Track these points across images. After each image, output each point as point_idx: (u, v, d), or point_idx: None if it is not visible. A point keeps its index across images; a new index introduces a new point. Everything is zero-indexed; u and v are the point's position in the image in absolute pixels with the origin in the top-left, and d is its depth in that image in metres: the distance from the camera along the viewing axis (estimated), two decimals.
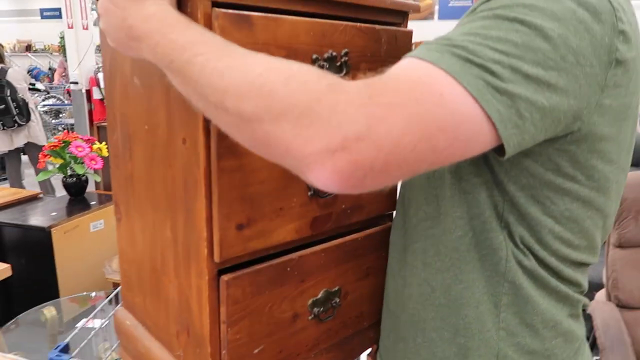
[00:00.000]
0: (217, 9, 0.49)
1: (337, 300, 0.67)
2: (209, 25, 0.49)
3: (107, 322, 0.94)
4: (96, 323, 0.94)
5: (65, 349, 0.85)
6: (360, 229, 0.69)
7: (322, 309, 0.65)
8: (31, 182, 4.28)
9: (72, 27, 3.71)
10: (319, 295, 0.65)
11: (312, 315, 0.64)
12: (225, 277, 0.55)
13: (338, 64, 0.58)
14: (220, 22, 0.49)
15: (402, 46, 0.64)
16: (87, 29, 3.68)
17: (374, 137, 0.38)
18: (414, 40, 0.66)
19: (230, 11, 0.49)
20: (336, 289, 0.67)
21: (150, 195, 0.64)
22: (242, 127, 0.43)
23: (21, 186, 4.00)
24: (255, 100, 0.40)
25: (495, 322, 0.56)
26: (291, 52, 0.54)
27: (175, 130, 0.57)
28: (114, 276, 1.95)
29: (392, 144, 0.39)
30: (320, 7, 0.57)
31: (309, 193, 0.61)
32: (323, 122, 0.39)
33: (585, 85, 0.45)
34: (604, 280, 1.73)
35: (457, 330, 0.57)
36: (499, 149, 0.45)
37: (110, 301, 0.99)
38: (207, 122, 0.51)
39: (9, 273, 1.82)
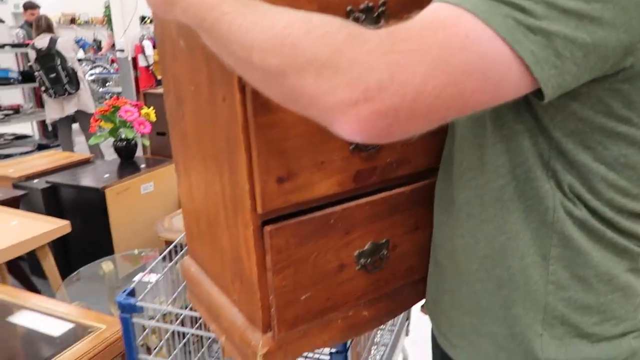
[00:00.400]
0: None
1: (385, 252, 0.68)
2: None
3: (162, 277, 1.00)
4: (152, 278, 1.00)
5: (132, 293, 0.92)
6: (407, 183, 0.69)
7: (369, 260, 0.66)
8: (82, 149, 4.49)
9: None
10: (366, 247, 0.66)
11: (359, 266, 0.66)
12: (268, 228, 0.58)
13: (375, 14, 0.58)
14: None
15: None
16: None
17: (396, 85, 0.38)
18: None
19: None
20: (383, 241, 0.68)
21: (200, 152, 0.67)
22: (270, 82, 0.44)
23: (72, 152, 4.20)
24: (279, 55, 0.41)
25: (544, 275, 0.54)
26: (323, 5, 0.54)
27: (215, 89, 0.59)
28: (166, 234, 2.05)
29: (415, 91, 0.39)
30: None
31: (351, 147, 0.61)
32: (344, 72, 0.39)
33: (637, 17, 0.41)
34: None
35: (501, 282, 0.57)
36: (539, 93, 0.43)
37: (164, 258, 1.05)
38: (241, 80, 0.53)
39: (68, 229, 1.95)
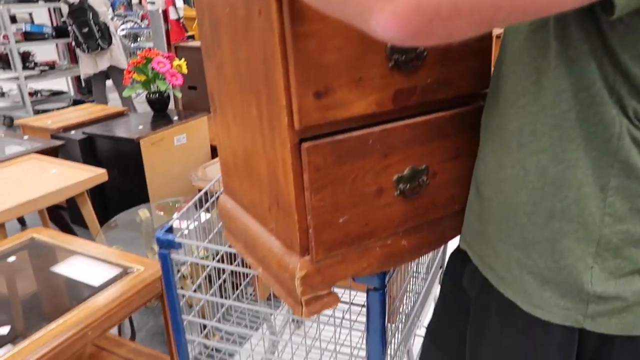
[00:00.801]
0: None
1: (425, 178, 0.66)
2: None
3: (195, 223, 1.01)
4: (183, 225, 1.01)
5: (170, 230, 0.93)
6: (449, 107, 0.66)
7: (408, 185, 0.65)
8: (116, 105, 4.55)
9: None
10: (405, 172, 0.64)
11: (398, 192, 0.64)
12: (305, 145, 0.56)
13: None
14: None
15: None
16: None
17: None
18: None
19: None
20: (423, 167, 0.65)
21: (237, 78, 0.66)
22: None
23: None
24: None
25: (600, 207, 0.51)
26: None
27: (251, 5, 0.57)
28: (200, 183, 2.08)
29: None
30: None
31: (390, 64, 0.59)
32: None
33: None
34: None
35: (552, 214, 0.54)
36: (609, 7, 0.39)
37: (195, 206, 1.06)
38: None
39: (105, 178, 2.00)
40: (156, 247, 0.97)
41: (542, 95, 0.52)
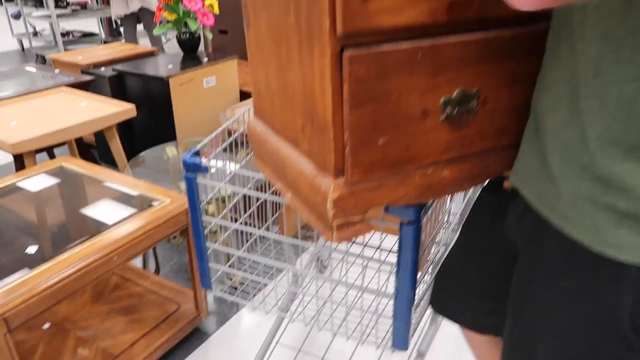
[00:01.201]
0: None
1: (475, 104, 0.61)
2: None
3: (224, 162, 0.98)
4: (211, 162, 0.98)
5: (198, 153, 0.91)
6: (509, 26, 0.60)
7: (455, 110, 0.59)
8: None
9: None
10: (453, 95, 0.59)
11: (444, 116, 0.59)
12: (348, 53, 0.52)
13: None
14: None
15: None
16: None
17: None
18: None
19: None
20: (474, 91, 0.60)
21: None
22: None
23: None
24: None
25: None
26: None
27: None
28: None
29: None
30: None
31: None
32: None
33: None
34: None
35: (635, 148, 0.49)
36: None
37: (224, 149, 1.03)
38: None
39: (134, 113, 1.99)
40: (182, 185, 0.96)
41: (634, 13, 0.46)
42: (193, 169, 0.92)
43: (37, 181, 1.60)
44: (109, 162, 2.25)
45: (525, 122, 0.63)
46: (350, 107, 0.53)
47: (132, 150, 2.33)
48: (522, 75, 0.62)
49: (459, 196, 1.09)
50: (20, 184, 1.58)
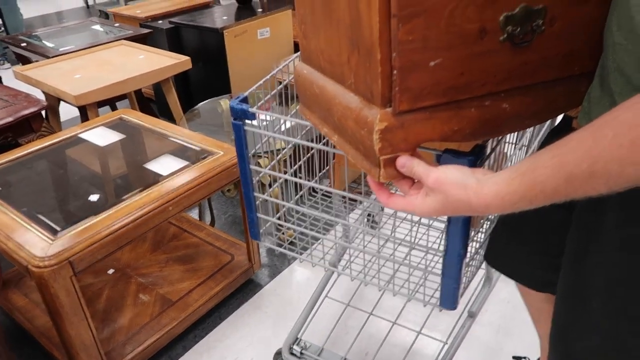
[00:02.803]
0: None
1: (540, 23, 0.55)
2: None
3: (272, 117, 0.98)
4: (262, 116, 0.98)
5: (245, 100, 0.91)
6: None
7: (518, 29, 0.55)
8: None
9: None
10: (516, 10, 0.54)
11: (505, 36, 0.55)
12: None
13: None
14: None
15: None
16: None
17: None
18: None
19: None
20: (540, 7, 0.55)
21: None
22: None
23: None
24: None
25: None
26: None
27: None
28: (280, 76, 2.05)
29: None
30: None
31: None
32: None
33: None
34: None
35: None
36: None
37: (276, 101, 1.01)
38: None
39: (189, 65, 2.04)
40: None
41: None
42: (241, 115, 0.92)
43: (98, 133, 1.69)
44: (167, 115, 2.33)
45: (600, 47, 0.57)
46: (399, 21, 0.50)
47: (188, 103, 2.40)
48: None
49: (521, 138, 1.03)
50: (83, 135, 1.67)
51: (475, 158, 0.63)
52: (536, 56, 0.58)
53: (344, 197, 1.12)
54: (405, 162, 0.56)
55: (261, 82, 1.02)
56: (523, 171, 0.46)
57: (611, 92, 0.51)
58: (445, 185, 0.52)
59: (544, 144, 0.82)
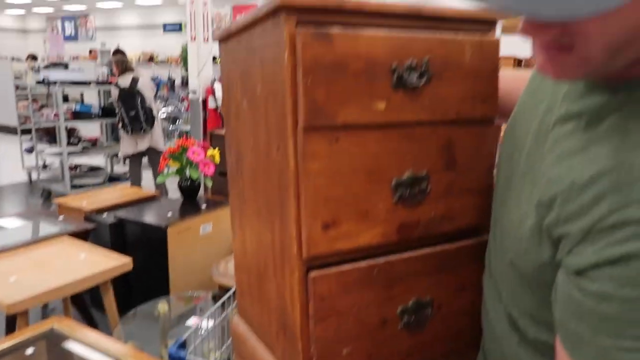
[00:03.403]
0: (299, 28, 0.57)
1: (430, 311, 0.70)
2: (293, 42, 0.57)
3: (216, 324, 1.06)
4: (203, 323, 1.06)
5: (183, 345, 0.98)
6: (453, 240, 0.71)
7: (413, 317, 0.68)
8: (148, 183, 4.79)
9: (194, 40, 4.12)
10: (409, 304, 0.68)
11: (403, 324, 0.68)
12: (312, 274, 0.62)
13: (418, 73, 0.62)
14: (302, 39, 0.57)
15: (487, 56, 0.67)
16: (207, 41, 4.06)
17: None
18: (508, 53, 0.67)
19: (312, 30, 0.58)
20: (428, 299, 0.69)
21: (255, 205, 0.74)
22: None
23: (139, 186, 4.52)
24: None
25: None
26: (369, 62, 0.60)
27: (271, 141, 0.66)
28: (220, 279, 2.14)
29: None
30: (400, 21, 0.63)
31: (394, 199, 0.65)
32: None
33: None
34: None
35: None
36: None
37: (222, 305, 1.11)
38: (294, 129, 0.59)
39: (130, 267, 2.09)
40: (170, 343, 1.01)
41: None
42: None
43: (26, 346, 1.63)
44: (101, 308, 2.30)
45: (480, 322, 0.71)
46: (315, 322, 0.62)
47: (126, 299, 2.39)
48: (471, 282, 0.72)
49: None
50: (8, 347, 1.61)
51: None
52: (430, 335, 0.71)
53: None
54: None
55: (200, 322, 1.10)
56: None
57: None
58: None
59: None
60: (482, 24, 0.68)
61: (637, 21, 0.41)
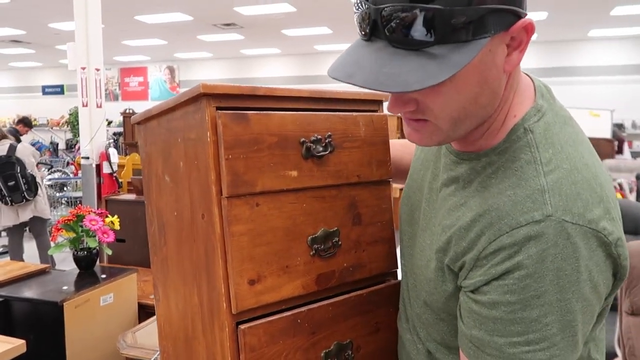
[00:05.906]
0: (220, 111, 0.68)
1: (350, 353, 0.79)
2: (214, 123, 0.68)
3: None
4: None
5: None
6: (366, 286, 0.82)
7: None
8: (30, 256, 4.43)
9: (86, 106, 4.02)
10: (331, 347, 0.77)
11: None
12: (242, 327, 0.70)
13: (323, 144, 0.76)
14: (222, 120, 0.68)
15: (378, 128, 0.83)
16: (100, 107, 3.98)
17: None
18: None
19: (230, 112, 0.69)
20: (347, 342, 0.79)
21: (180, 271, 0.80)
22: None
23: (21, 260, 4.15)
24: None
25: None
26: (282, 138, 0.72)
27: (196, 210, 0.74)
28: (129, 351, 2.04)
29: None
30: (305, 103, 0.77)
31: (311, 253, 0.75)
32: None
33: None
34: (617, 349, 1.79)
35: None
36: None
37: None
38: (219, 197, 0.68)
39: (23, 349, 1.93)
40: None
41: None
42: None
43: None
44: None
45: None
46: None
47: None
48: (384, 322, 0.84)
49: None
50: None
51: None
52: None
53: None
54: None
55: None
56: None
57: None
58: None
59: None
60: (372, 103, 0.84)
61: (465, 97, 0.58)
